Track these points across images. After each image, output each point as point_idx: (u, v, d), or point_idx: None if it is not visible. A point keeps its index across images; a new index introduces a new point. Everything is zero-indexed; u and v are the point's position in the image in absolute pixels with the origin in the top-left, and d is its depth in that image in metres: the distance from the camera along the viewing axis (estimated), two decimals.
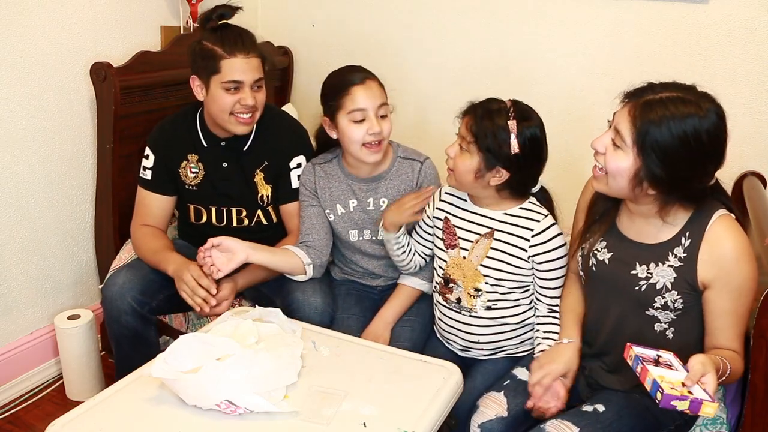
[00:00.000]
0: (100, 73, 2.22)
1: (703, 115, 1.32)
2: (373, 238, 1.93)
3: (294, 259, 1.86)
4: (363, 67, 1.88)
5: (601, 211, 1.57)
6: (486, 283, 1.68)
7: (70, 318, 2.29)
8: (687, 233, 1.43)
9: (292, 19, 2.97)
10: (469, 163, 1.60)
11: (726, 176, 2.20)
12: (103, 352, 2.47)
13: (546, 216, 1.66)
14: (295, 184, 2.00)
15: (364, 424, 1.36)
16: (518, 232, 1.65)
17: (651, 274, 1.47)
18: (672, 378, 1.29)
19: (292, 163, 2.00)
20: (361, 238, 1.94)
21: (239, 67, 1.83)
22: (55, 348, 2.38)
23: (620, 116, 1.39)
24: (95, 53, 2.36)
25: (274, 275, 1.95)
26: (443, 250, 1.75)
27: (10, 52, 2.13)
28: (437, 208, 1.78)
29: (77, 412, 1.39)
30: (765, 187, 2.18)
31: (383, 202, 1.90)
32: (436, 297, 1.80)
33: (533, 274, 1.68)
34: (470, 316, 1.71)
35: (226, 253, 1.76)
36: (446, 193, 1.79)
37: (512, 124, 1.55)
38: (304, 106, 2.96)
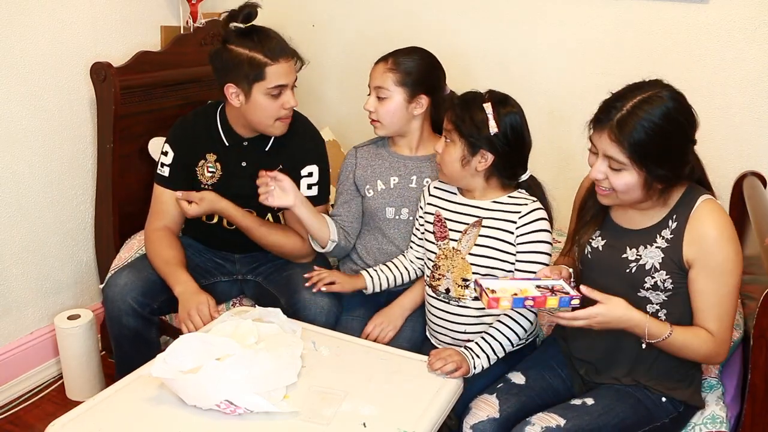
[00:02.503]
0: (100, 73, 2.23)
1: (665, 102, 1.42)
2: (410, 218, 1.93)
3: (324, 231, 1.91)
4: None
5: (594, 210, 1.63)
6: (474, 273, 1.69)
7: (70, 318, 2.29)
8: (674, 216, 1.50)
9: (292, 19, 2.97)
10: (454, 152, 1.65)
11: (726, 176, 2.24)
12: (103, 352, 2.47)
13: (534, 201, 1.68)
14: (303, 192, 1.98)
15: (364, 424, 1.36)
16: (505, 217, 1.67)
17: (640, 256, 1.52)
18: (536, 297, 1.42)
19: (304, 171, 1.98)
20: (397, 217, 1.94)
21: (284, 72, 1.82)
22: (55, 348, 2.38)
23: (603, 143, 1.46)
24: (95, 53, 2.36)
25: (259, 234, 1.95)
26: (433, 243, 1.76)
27: (10, 52, 2.13)
28: (428, 204, 1.80)
29: (77, 412, 1.39)
30: (765, 187, 2.18)
31: (426, 182, 1.91)
32: (427, 289, 1.81)
33: (514, 268, 1.68)
34: (458, 306, 1.72)
35: (280, 190, 1.82)
36: (435, 187, 1.81)
37: (487, 105, 1.62)
38: (304, 105, 2.95)
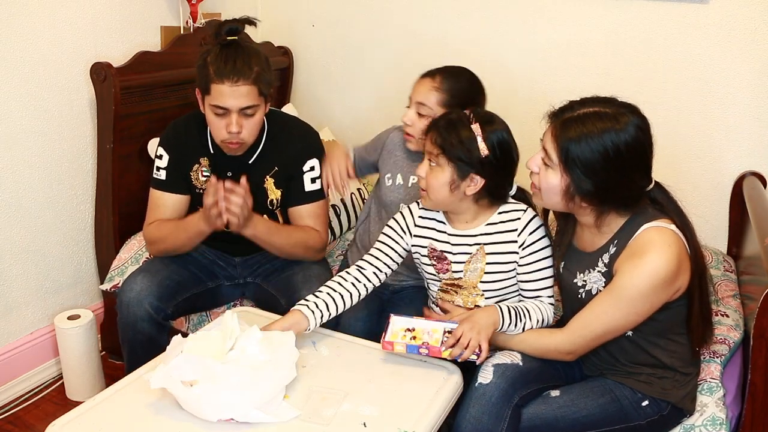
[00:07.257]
0: (100, 73, 2.23)
1: (621, 128, 1.38)
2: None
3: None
4: None
5: (561, 227, 1.63)
6: (486, 297, 1.66)
7: (70, 318, 2.29)
8: (615, 241, 1.48)
9: (292, 19, 2.98)
10: (442, 176, 1.57)
11: (726, 176, 2.24)
12: (103, 352, 2.47)
13: (526, 209, 1.64)
14: (308, 186, 1.98)
15: (364, 424, 1.36)
16: (506, 237, 1.63)
17: (585, 281, 1.52)
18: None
19: (306, 167, 1.97)
20: None
21: (226, 94, 1.77)
22: (55, 348, 2.38)
23: (546, 136, 1.46)
24: (95, 53, 2.36)
25: (285, 252, 1.95)
26: (434, 275, 1.71)
27: (10, 52, 2.13)
28: (416, 236, 1.71)
29: (77, 412, 1.39)
30: (765, 187, 2.19)
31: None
32: (433, 307, 1.78)
33: (518, 277, 1.65)
34: None
35: None
36: (420, 217, 1.72)
37: (476, 127, 1.55)
38: (304, 106, 2.97)
